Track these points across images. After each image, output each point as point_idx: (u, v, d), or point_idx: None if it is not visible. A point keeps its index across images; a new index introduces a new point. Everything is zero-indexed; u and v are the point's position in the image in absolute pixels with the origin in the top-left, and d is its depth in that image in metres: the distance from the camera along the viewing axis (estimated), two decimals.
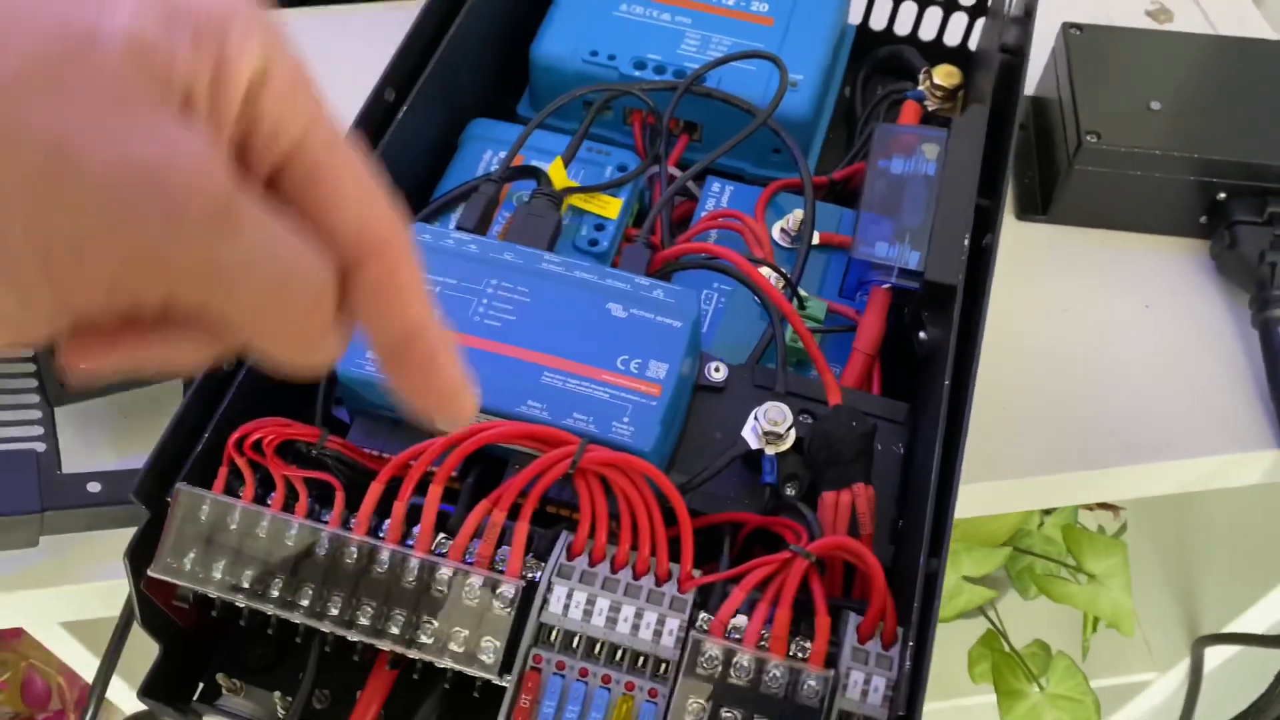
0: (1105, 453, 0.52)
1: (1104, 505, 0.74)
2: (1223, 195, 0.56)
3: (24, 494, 0.44)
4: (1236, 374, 0.54)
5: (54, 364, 0.48)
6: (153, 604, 0.39)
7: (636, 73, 0.53)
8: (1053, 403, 0.54)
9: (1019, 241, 0.59)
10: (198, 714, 0.42)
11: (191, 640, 0.42)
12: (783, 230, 0.50)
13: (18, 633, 0.76)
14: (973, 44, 0.61)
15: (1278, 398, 0.52)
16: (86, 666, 0.58)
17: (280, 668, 0.42)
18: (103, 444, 0.50)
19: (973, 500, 0.51)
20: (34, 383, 0.48)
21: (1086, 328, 0.56)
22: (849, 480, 0.39)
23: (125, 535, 0.47)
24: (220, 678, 0.41)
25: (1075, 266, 0.58)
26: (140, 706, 0.44)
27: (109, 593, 0.48)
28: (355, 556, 0.36)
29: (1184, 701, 0.75)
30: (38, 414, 0.48)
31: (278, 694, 0.41)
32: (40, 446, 0.47)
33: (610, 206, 0.49)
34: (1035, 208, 0.60)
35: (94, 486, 0.46)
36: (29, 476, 0.44)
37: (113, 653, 0.45)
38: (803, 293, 0.47)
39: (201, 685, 0.42)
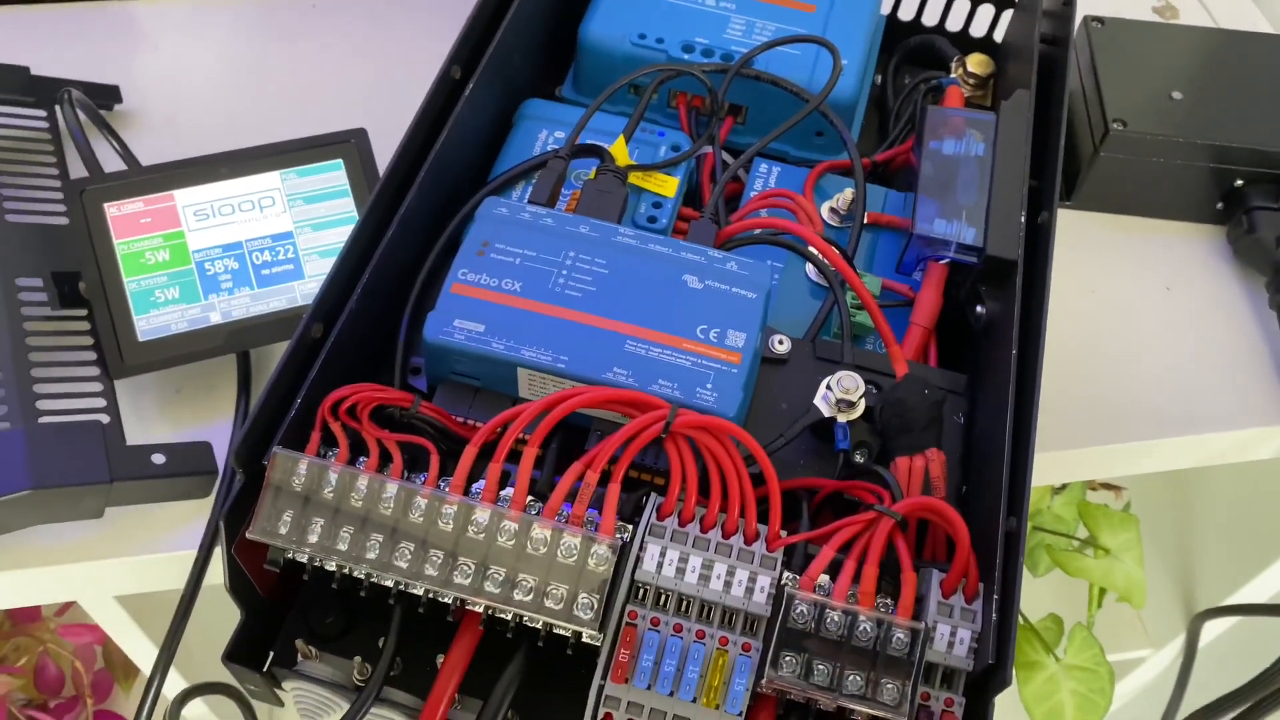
0: (1127, 428, 0.54)
1: (1106, 485, 0.76)
2: (1239, 182, 0.58)
3: (94, 465, 0.44)
4: (1254, 354, 0.57)
5: (111, 337, 0.48)
6: (240, 569, 0.39)
7: (685, 55, 0.54)
8: (1078, 380, 0.55)
9: None
10: (275, 678, 0.42)
11: (267, 607, 0.42)
12: (832, 210, 0.52)
13: (35, 615, 0.75)
14: (998, 35, 0.63)
15: None
16: (133, 641, 0.57)
17: (350, 635, 0.43)
18: (158, 418, 0.50)
19: None
20: (93, 355, 0.48)
21: (1109, 309, 0.58)
22: (922, 446, 0.41)
23: (180, 508, 0.48)
24: (299, 643, 0.42)
25: (1099, 251, 0.60)
26: (179, 683, 0.44)
27: (166, 565, 0.48)
28: (452, 517, 0.37)
29: (1177, 676, 0.78)
30: (99, 386, 0.48)
31: (358, 659, 0.41)
32: (105, 418, 0.47)
33: (667, 185, 0.50)
34: (1061, 194, 0.62)
35: (158, 458, 0.46)
36: (98, 447, 0.45)
37: (179, 622, 0.46)
38: (858, 271, 0.48)
39: (272, 653, 0.42)
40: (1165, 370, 0.56)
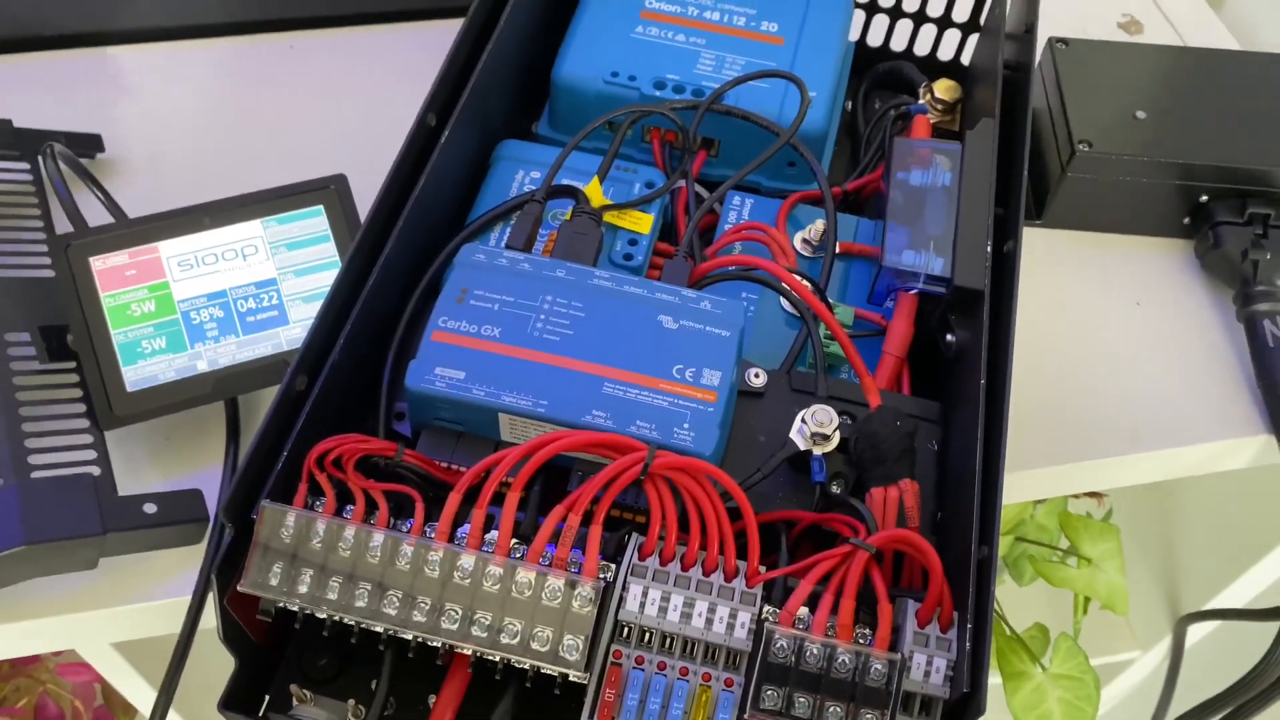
0: (1104, 443, 0.55)
1: (1090, 493, 0.77)
2: (1204, 198, 0.60)
3: (87, 517, 0.45)
4: (1224, 366, 0.58)
5: (100, 389, 0.49)
6: (232, 619, 0.40)
7: (657, 92, 0.55)
8: (1052, 398, 0.57)
9: None
10: None
11: (259, 654, 0.43)
12: (804, 240, 0.53)
13: (35, 658, 0.76)
14: (965, 59, 0.64)
15: (1264, 386, 0.55)
16: (131, 686, 0.58)
17: (343, 677, 0.43)
18: (148, 467, 0.51)
19: None
20: (83, 407, 0.49)
21: (1081, 325, 0.59)
22: (895, 477, 0.42)
23: (173, 555, 0.48)
24: (293, 688, 0.43)
25: (1068, 268, 0.61)
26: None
27: (161, 612, 0.48)
28: (438, 563, 0.37)
29: (1165, 678, 0.79)
30: (89, 438, 0.48)
31: (351, 701, 0.42)
32: (95, 470, 0.47)
33: (642, 222, 0.51)
34: (1029, 213, 0.63)
35: (150, 508, 0.47)
36: (89, 500, 0.45)
37: (176, 667, 0.46)
38: (830, 300, 0.49)
39: (268, 698, 0.43)
40: (1138, 384, 0.57)
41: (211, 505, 0.49)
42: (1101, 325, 0.59)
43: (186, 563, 0.48)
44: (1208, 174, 0.59)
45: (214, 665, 0.51)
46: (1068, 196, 0.61)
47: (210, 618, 0.47)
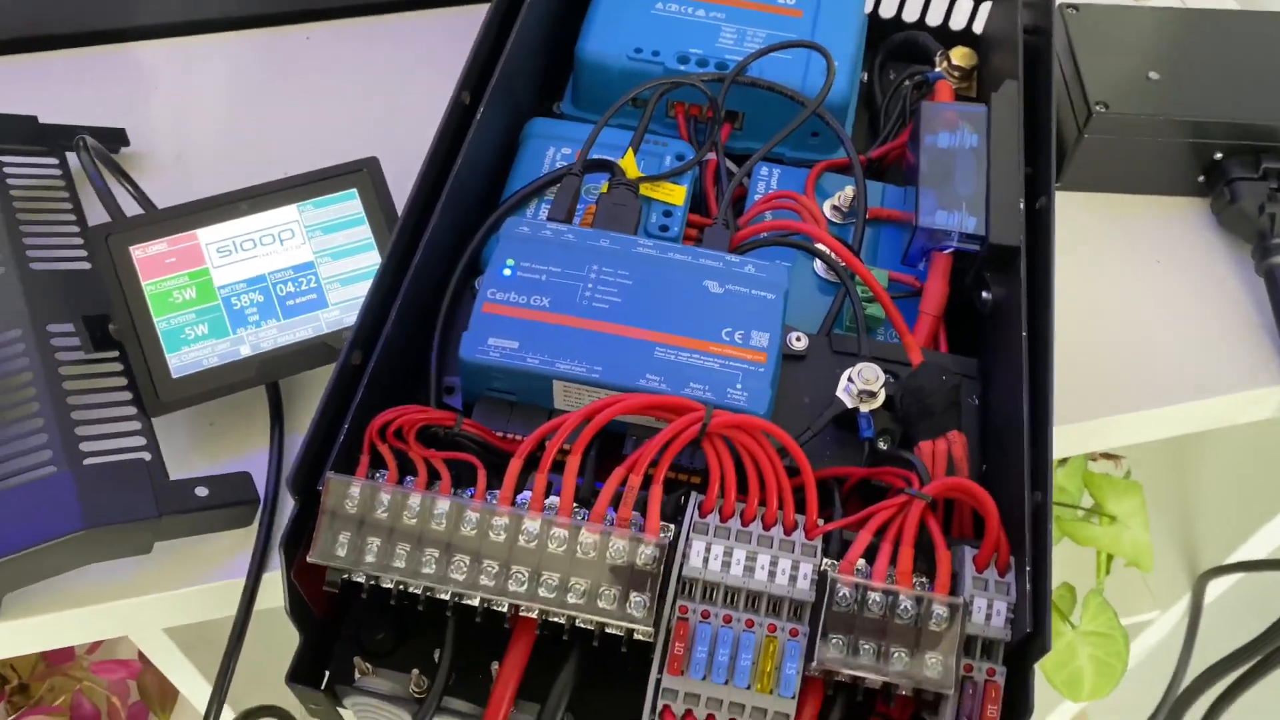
0: (1128, 399, 0.56)
1: (1106, 455, 0.79)
2: (1219, 155, 0.61)
3: (142, 501, 0.45)
4: (1245, 319, 0.59)
5: (146, 376, 0.49)
6: (298, 593, 0.40)
7: (680, 66, 0.56)
8: (1077, 356, 0.57)
9: None
10: (336, 695, 0.43)
11: (321, 628, 0.43)
12: (834, 207, 0.54)
13: (69, 654, 0.76)
14: (977, 27, 0.65)
15: None
16: (180, 671, 0.59)
17: (400, 650, 0.44)
18: (194, 453, 0.51)
19: None
20: (129, 395, 0.49)
21: (1102, 285, 0.60)
22: (944, 429, 0.42)
23: (224, 539, 0.49)
24: (356, 660, 0.43)
25: (1089, 230, 0.62)
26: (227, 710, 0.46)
27: (214, 595, 0.49)
28: (504, 527, 0.38)
29: (1185, 635, 0.80)
30: (138, 425, 0.49)
31: (415, 671, 0.43)
32: (147, 456, 0.48)
33: (675, 194, 0.52)
34: None
35: (201, 491, 0.47)
36: (143, 484, 0.46)
37: (235, 643, 0.47)
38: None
39: (328, 672, 0.44)
40: (1160, 340, 0.58)
41: (260, 488, 0.49)
42: (1122, 284, 0.60)
43: (238, 546, 0.49)
44: (1221, 131, 0.60)
45: (259, 651, 0.52)
46: (1085, 159, 0.61)
47: (261, 600, 0.48)
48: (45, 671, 0.74)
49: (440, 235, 0.46)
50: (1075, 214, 0.63)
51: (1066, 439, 0.56)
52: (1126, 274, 0.61)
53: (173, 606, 0.49)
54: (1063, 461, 0.74)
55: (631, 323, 0.43)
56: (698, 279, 0.44)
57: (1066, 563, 0.80)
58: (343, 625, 0.45)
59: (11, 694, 0.73)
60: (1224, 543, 0.79)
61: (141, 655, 0.78)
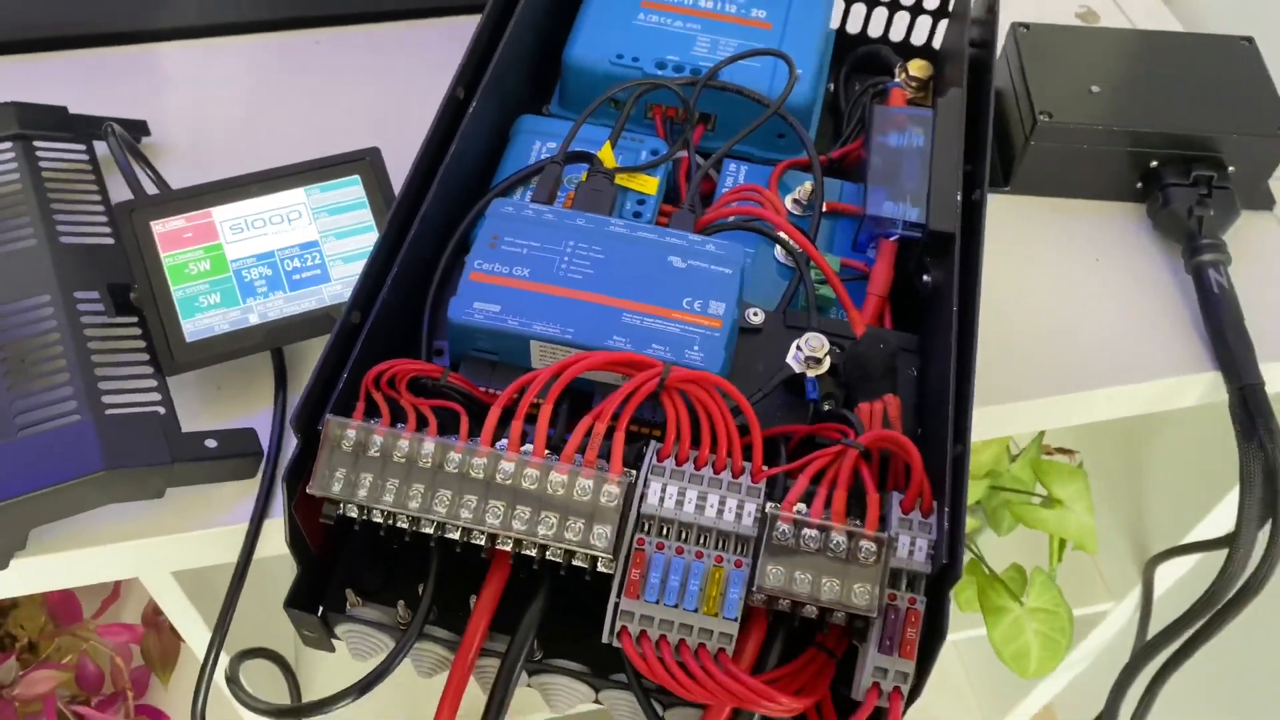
0: (1066, 381, 0.61)
1: (1061, 450, 0.83)
2: (1154, 163, 0.66)
3: (156, 448, 0.50)
4: (1174, 312, 0.64)
5: (163, 339, 0.54)
6: (297, 526, 0.45)
7: (658, 71, 0.61)
8: (1018, 342, 0.62)
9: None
10: (328, 624, 0.48)
11: (318, 563, 0.48)
12: (795, 201, 0.59)
13: (77, 615, 0.80)
14: (936, 43, 0.70)
15: (1210, 329, 0.61)
16: (185, 615, 0.63)
17: (389, 589, 0.49)
18: (203, 414, 0.56)
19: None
20: (147, 356, 0.54)
21: (1045, 279, 0.65)
22: (880, 393, 0.47)
23: (230, 488, 0.54)
24: (347, 592, 0.48)
25: (1034, 229, 0.67)
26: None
27: (219, 539, 0.53)
28: (483, 467, 0.43)
29: (1138, 622, 0.85)
30: (154, 383, 0.54)
31: (401, 603, 0.47)
32: (161, 410, 0.53)
33: (649, 184, 0.57)
34: (997, 181, 0.69)
35: (211, 442, 0.52)
36: (158, 433, 0.50)
37: (237, 582, 0.51)
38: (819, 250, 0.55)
39: (323, 606, 0.49)
40: (1097, 330, 0.63)
41: (264, 444, 0.54)
42: (1064, 279, 0.65)
43: (242, 495, 0.53)
44: (1157, 140, 0.65)
45: (253, 602, 0.57)
46: (1032, 164, 0.67)
47: (264, 548, 0.53)
48: (53, 631, 0.79)
49: (433, 214, 0.51)
50: (1023, 215, 0.68)
51: (1005, 417, 0.61)
52: (1068, 270, 0.66)
53: (181, 549, 0.53)
54: (1016, 456, 0.79)
55: (602, 291, 0.47)
56: (663, 254, 0.49)
57: (1021, 551, 0.85)
58: (337, 565, 0.49)
59: (21, 652, 0.78)
60: (1174, 530, 0.84)
61: (145, 618, 0.82)
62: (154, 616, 0.82)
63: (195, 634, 0.64)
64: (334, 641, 0.49)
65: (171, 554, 0.54)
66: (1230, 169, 0.65)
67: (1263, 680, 0.96)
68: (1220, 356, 0.61)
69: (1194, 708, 1.02)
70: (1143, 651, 0.72)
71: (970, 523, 0.74)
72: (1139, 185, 0.67)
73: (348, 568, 0.49)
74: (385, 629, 0.47)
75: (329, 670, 0.90)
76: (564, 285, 0.48)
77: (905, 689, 0.41)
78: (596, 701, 0.48)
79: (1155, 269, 0.66)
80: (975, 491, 0.73)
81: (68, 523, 0.51)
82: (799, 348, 0.49)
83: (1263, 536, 0.61)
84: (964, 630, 0.87)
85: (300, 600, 0.46)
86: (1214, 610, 0.66)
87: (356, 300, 0.46)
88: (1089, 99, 0.66)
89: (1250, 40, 0.70)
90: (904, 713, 0.42)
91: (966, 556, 0.82)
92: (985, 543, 0.81)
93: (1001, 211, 0.68)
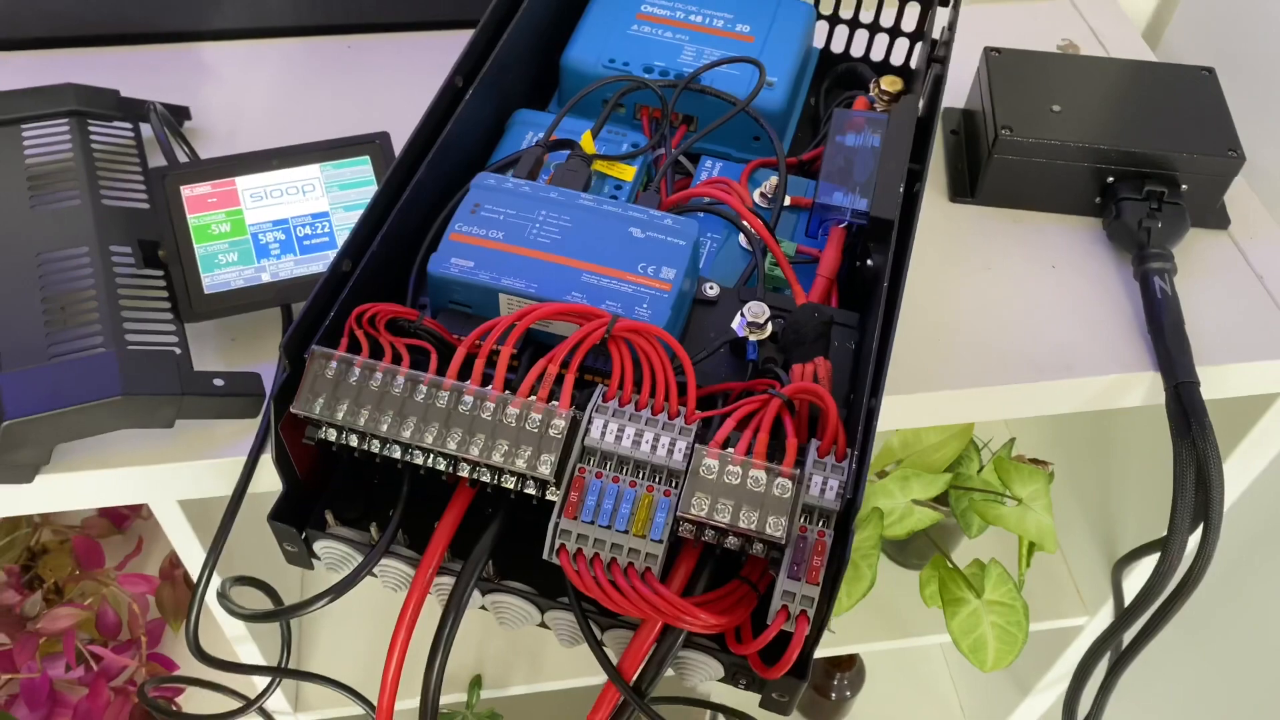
0: (1018, 373, 0.65)
1: (1036, 460, 0.87)
2: (1111, 179, 0.70)
3: (169, 380, 0.56)
4: (1123, 316, 0.68)
5: (184, 289, 0.60)
6: (283, 445, 0.51)
7: (646, 75, 0.67)
8: (974, 337, 0.66)
9: (952, 219, 0.73)
10: (308, 542, 0.53)
11: (302, 489, 0.54)
12: (762, 194, 0.64)
13: (99, 561, 0.87)
14: (913, 63, 0.75)
15: (1152, 330, 0.65)
16: (188, 542, 0.69)
17: (366, 518, 0.54)
18: (216, 361, 0.62)
19: (912, 408, 0.64)
20: (169, 304, 0.61)
21: (1004, 283, 0.69)
22: (812, 356, 0.52)
23: (234, 425, 0.59)
24: (327, 514, 0.53)
25: (996, 237, 0.72)
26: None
27: (222, 471, 0.59)
28: (447, 398, 0.48)
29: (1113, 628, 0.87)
30: (173, 328, 0.60)
31: (373, 526, 0.53)
32: (177, 350, 0.59)
33: (626, 172, 0.63)
34: (965, 192, 0.74)
35: (218, 381, 0.58)
36: (171, 368, 0.57)
37: (235, 503, 0.57)
38: (776, 237, 0.60)
39: (304, 533, 0.54)
40: (1049, 330, 0.67)
41: (268, 388, 0.60)
42: (1021, 283, 0.70)
43: (245, 432, 0.59)
44: (1114, 157, 0.70)
45: (248, 539, 0.62)
46: (994, 177, 0.71)
47: (257, 484, 0.58)
48: (79, 575, 0.85)
49: (428, 185, 0.57)
50: (987, 224, 0.73)
51: (958, 403, 0.65)
52: (1024, 276, 0.70)
53: (187, 479, 0.59)
54: (985, 463, 0.82)
55: (566, 254, 0.53)
56: (625, 226, 0.54)
57: (993, 555, 0.88)
58: (323, 495, 0.55)
59: (48, 593, 0.84)
60: (1144, 536, 0.86)
61: (161, 571, 0.88)
62: (170, 570, 0.88)
63: (196, 561, 0.70)
64: (313, 560, 0.55)
65: (178, 483, 0.60)
66: (1183, 187, 0.70)
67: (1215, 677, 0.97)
68: (1159, 356, 0.64)
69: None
70: (1084, 661, 0.75)
71: (934, 513, 0.78)
72: (1097, 200, 0.72)
73: (332, 498, 0.55)
74: (357, 545, 0.53)
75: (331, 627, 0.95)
76: (533, 248, 0.53)
77: (811, 612, 0.46)
78: (543, 624, 0.53)
79: (1108, 277, 0.70)
80: (939, 485, 0.77)
81: (87, 447, 0.57)
82: (743, 314, 0.54)
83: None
84: (940, 635, 0.91)
85: (283, 515, 0.52)
86: (1151, 611, 0.69)
87: (348, 249, 0.52)
88: (1050, 117, 0.71)
89: (1210, 71, 0.74)
90: (809, 635, 0.46)
91: (931, 551, 0.86)
92: (961, 547, 0.84)
93: (967, 221, 0.73)
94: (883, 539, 0.78)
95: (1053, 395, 0.66)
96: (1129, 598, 0.85)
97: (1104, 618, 0.94)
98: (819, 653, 0.87)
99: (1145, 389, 0.66)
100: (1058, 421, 1.02)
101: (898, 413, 0.65)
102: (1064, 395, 0.66)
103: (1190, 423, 0.62)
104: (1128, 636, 0.73)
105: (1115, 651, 0.75)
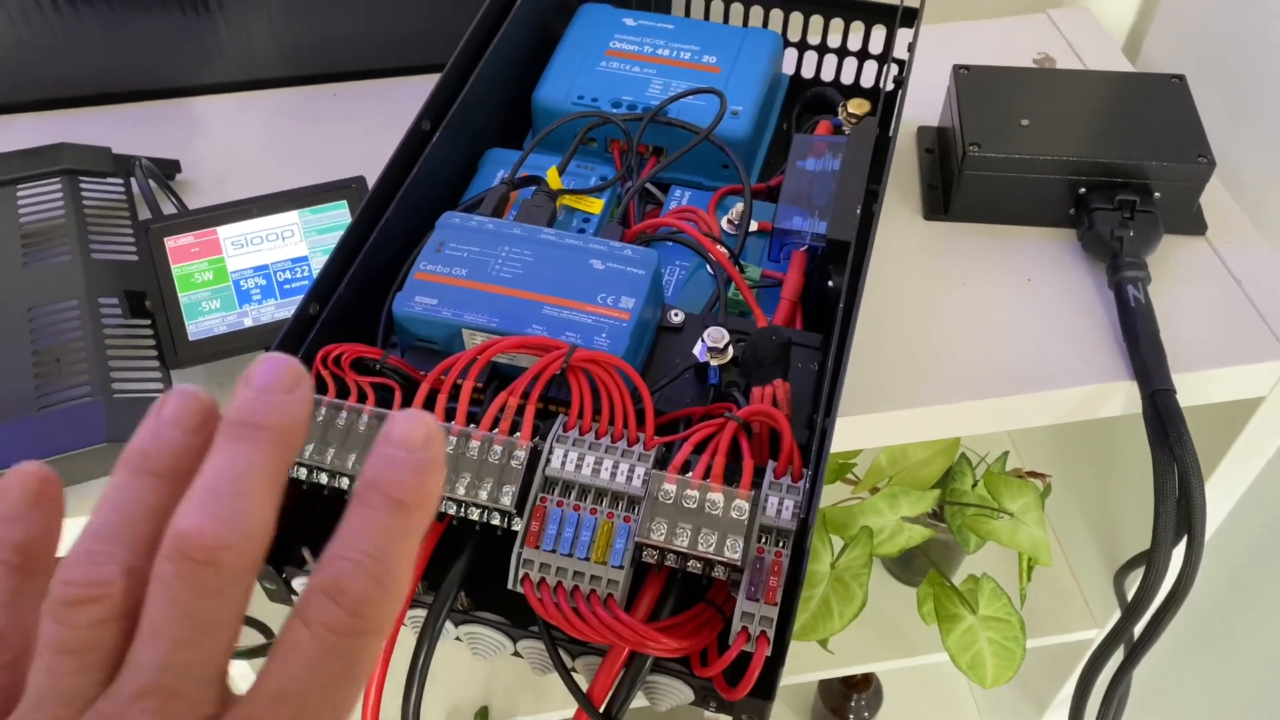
0: (997, 387, 0.65)
1: (1033, 473, 0.86)
2: (1083, 190, 0.71)
3: None
4: (1099, 326, 0.68)
5: (169, 337, 0.62)
6: None
7: (614, 110, 0.68)
8: (954, 353, 0.67)
9: (927, 236, 0.74)
10: (287, 581, 0.55)
11: (279, 527, 0.55)
12: (729, 221, 0.65)
13: None
14: (886, 85, 0.76)
15: (1127, 339, 0.65)
16: None
17: None
18: None
19: (892, 426, 0.65)
20: (155, 353, 0.63)
21: (979, 297, 0.70)
22: (771, 378, 0.53)
23: None
24: (304, 551, 0.55)
25: (969, 252, 0.72)
26: None
27: None
28: None
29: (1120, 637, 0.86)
30: (159, 374, 0.62)
31: None
32: None
33: (594, 205, 0.64)
34: (940, 210, 0.74)
35: None
36: None
37: None
38: (742, 262, 0.61)
39: (285, 570, 0.55)
40: (1025, 343, 0.67)
41: None
42: (997, 296, 0.70)
43: None
44: (1085, 168, 0.70)
45: None
46: (966, 193, 0.72)
47: None
48: None
49: (397, 227, 0.59)
50: (961, 241, 0.73)
51: (935, 419, 0.65)
52: (999, 290, 0.70)
53: None
54: (976, 484, 0.82)
55: (528, 288, 0.54)
56: (585, 258, 0.56)
57: (994, 572, 0.87)
58: (305, 532, 0.56)
59: None
60: (1145, 544, 0.85)
61: None
62: None
63: None
64: (292, 597, 0.56)
65: None
66: (1156, 195, 0.70)
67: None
68: (1135, 365, 0.64)
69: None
70: (1083, 677, 0.74)
71: (925, 530, 0.78)
72: (1071, 211, 0.72)
73: (314, 535, 0.56)
74: None
75: None
76: (495, 283, 0.55)
77: (770, 633, 0.46)
78: (516, 654, 0.54)
79: (1083, 288, 0.70)
80: (928, 501, 0.77)
81: (80, 493, 0.59)
82: (704, 339, 0.54)
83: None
84: (940, 654, 0.90)
85: None
86: (1143, 624, 0.68)
87: (315, 293, 0.54)
88: (1018, 131, 0.71)
89: (1181, 78, 0.74)
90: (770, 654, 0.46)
91: (925, 567, 0.86)
92: (966, 563, 0.83)
93: (942, 238, 0.74)
94: (884, 557, 0.78)
95: (1032, 408, 0.66)
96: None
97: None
98: (830, 673, 0.87)
99: (1123, 398, 0.66)
100: (1057, 431, 1.01)
101: (877, 431, 0.66)
102: (1043, 408, 0.66)
103: (1168, 431, 0.62)
104: (1125, 649, 0.72)
105: (1116, 664, 0.74)
